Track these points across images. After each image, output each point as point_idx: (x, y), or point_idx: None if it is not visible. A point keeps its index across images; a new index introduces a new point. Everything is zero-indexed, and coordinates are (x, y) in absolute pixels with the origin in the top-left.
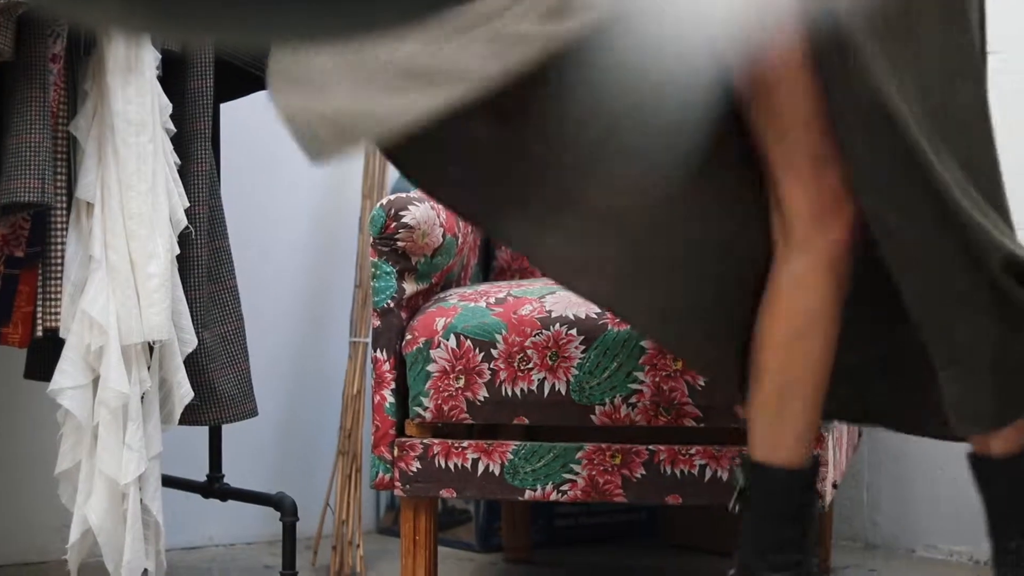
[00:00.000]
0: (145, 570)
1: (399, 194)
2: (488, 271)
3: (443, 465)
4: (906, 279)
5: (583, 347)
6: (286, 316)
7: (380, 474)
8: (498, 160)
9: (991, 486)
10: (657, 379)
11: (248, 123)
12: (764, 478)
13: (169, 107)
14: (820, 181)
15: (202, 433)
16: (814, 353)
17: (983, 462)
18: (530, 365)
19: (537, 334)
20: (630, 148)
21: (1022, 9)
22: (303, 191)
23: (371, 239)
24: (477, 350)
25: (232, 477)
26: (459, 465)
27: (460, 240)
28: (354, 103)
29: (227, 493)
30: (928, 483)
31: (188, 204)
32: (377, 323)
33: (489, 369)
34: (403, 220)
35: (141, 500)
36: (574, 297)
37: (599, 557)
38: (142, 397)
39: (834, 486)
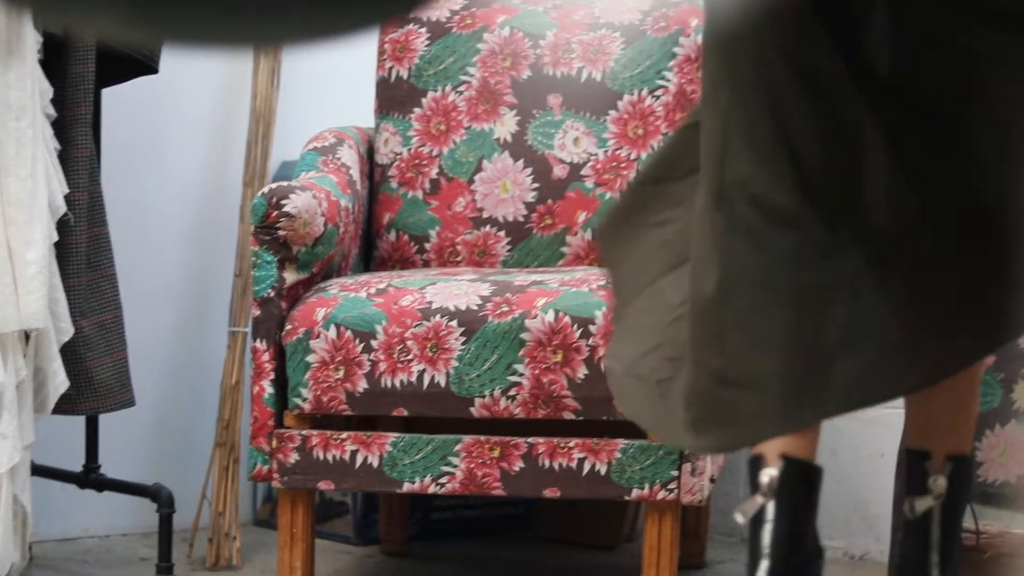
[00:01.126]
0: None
1: (280, 183)
2: (369, 261)
3: (321, 457)
4: None
5: (463, 339)
6: (165, 305)
7: (258, 465)
8: None
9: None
10: (537, 371)
11: (129, 109)
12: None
13: (50, 91)
14: None
15: (78, 423)
16: None
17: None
18: (410, 356)
19: (417, 325)
20: None
21: None
22: (184, 179)
23: (252, 228)
24: (357, 341)
25: (108, 467)
26: (337, 457)
27: (341, 230)
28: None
29: (103, 484)
30: None
31: (68, 190)
32: (257, 312)
33: (369, 360)
34: (284, 209)
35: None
36: (455, 288)
37: (476, 550)
38: (17, 385)
39: (711, 480)
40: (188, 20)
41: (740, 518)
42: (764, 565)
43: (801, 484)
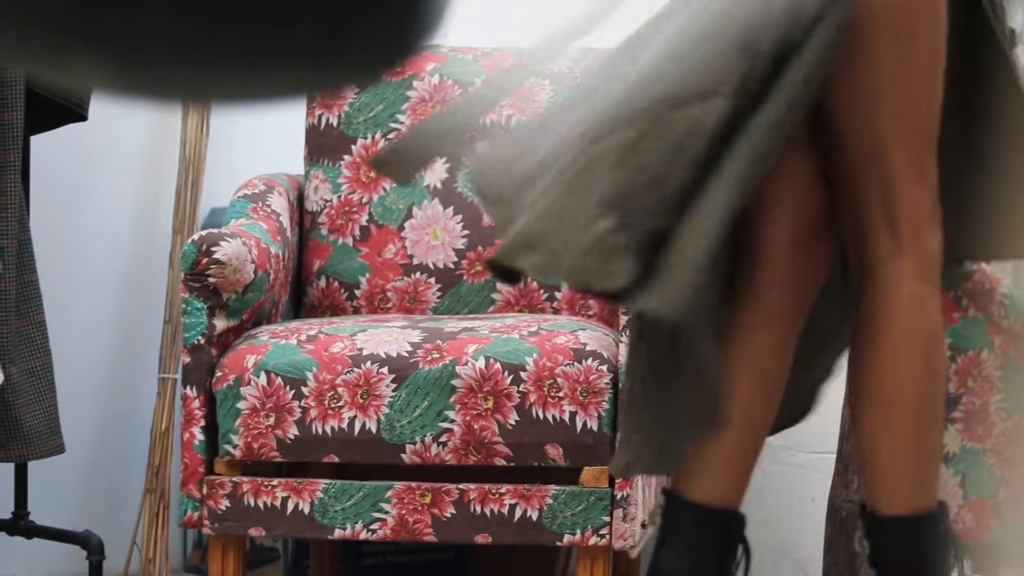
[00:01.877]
0: None
1: (210, 230)
2: (299, 308)
3: (252, 503)
4: None
5: (394, 385)
6: (95, 351)
7: (188, 512)
8: None
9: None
10: (468, 418)
11: (58, 156)
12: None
13: None
14: (932, 172)
15: (7, 470)
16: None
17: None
18: (340, 403)
19: (348, 372)
20: None
21: None
22: (113, 225)
23: (182, 274)
24: (288, 387)
25: (38, 514)
26: (268, 503)
27: (271, 277)
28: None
29: (32, 531)
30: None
31: None
32: (187, 359)
33: (299, 407)
34: (214, 256)
35: None
36: (385, 335)
37: None
38: None
39: (643, 526)
40: (179, 78)
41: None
42: None
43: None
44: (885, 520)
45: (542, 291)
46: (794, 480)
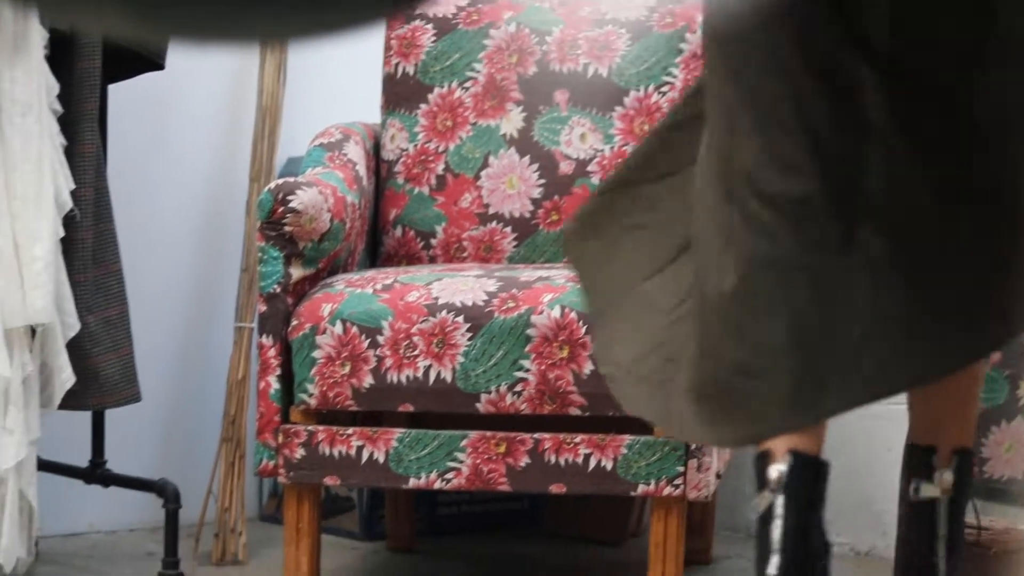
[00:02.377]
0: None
1: (287, 178)
2: (375, 257)
3: (327, 452)
4: None
5: (469, 334)
6: (171, 300)
7: (264, 461)
8: None
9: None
10: (543, 367)
11: (135, 105)
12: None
13: (56, 88)
14: None
15: (84, 418)
16: None
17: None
18: (416, 352)
19: (423, 321)
20: None
21: None
22: (190, 175)
23: (258, 223)
24: (363, 336)
25: (115, 463)
26: (343, 452)
27: (347, 226)
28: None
29: (109, 479)
30: None
31: (74, 186)
32: (263, 308)
33: (375, 356)
34: (290, 205)
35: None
36: (461, 284)
37: (482, 546)
38: (23, 381)
39: (717, 476)
40: (193, 17)
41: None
42: (775, 560)
43: (810, 479)
44: (968, 453)
45: None
46: (870, 431)
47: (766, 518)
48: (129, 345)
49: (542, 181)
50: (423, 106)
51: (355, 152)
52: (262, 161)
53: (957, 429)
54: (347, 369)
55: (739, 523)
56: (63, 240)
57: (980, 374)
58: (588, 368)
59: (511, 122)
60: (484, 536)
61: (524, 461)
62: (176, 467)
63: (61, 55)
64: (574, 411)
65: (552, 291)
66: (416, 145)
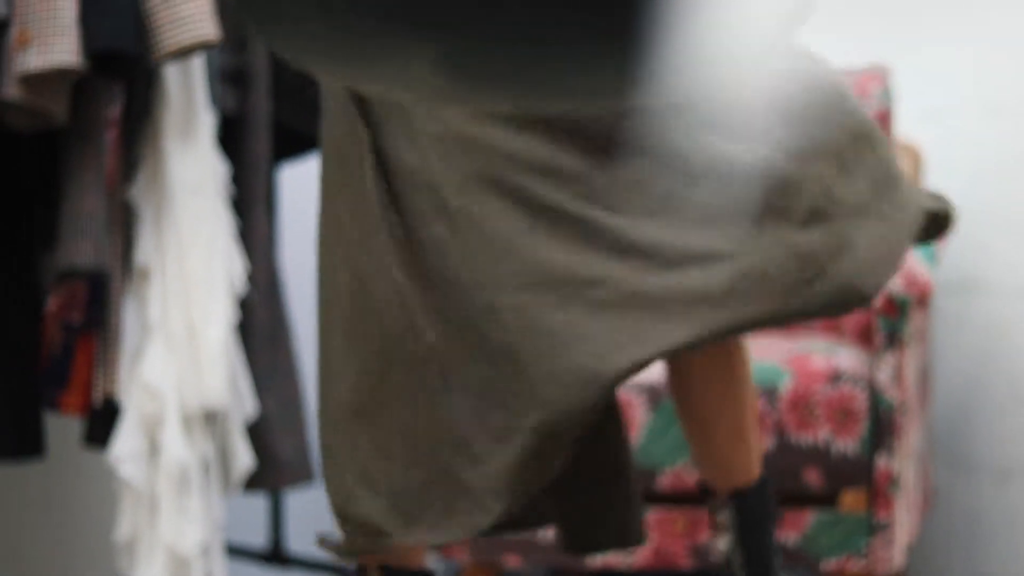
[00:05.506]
0: None
1: None
2: None
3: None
4: None
5: (650, 410)
6: None
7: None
8: None
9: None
10: None
11: (306, 185)
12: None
13: (226, 170)
14: None
15: (263, 501)
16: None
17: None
18: None
19: None
20: None
21: None
22: None
23: None
24: None
25: (295, 545)
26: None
27: None
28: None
29: (288, 560)
30: (1005, 546)
31: (248, 268)
32: None
33: None
34: None
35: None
36: None
37: None
38: (203, 465)
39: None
40: (513, 77)
41: None
42: None
43: None
44: (747, 490)
45: None
46: (1006, 508)
47: None
48: (303, 426)
49: None
50: None
51: None
52: None
53: (733, 468)
54: None
55: None
56: (238, 322)
57: (750, 411)
58: (769, 443)
59: None
60: None
61: (704, 537)
62: None
63: (231, 137)
64: None
65: None
66: None
